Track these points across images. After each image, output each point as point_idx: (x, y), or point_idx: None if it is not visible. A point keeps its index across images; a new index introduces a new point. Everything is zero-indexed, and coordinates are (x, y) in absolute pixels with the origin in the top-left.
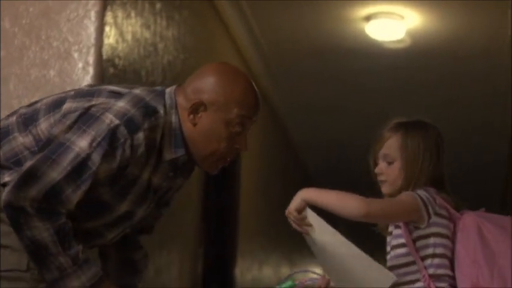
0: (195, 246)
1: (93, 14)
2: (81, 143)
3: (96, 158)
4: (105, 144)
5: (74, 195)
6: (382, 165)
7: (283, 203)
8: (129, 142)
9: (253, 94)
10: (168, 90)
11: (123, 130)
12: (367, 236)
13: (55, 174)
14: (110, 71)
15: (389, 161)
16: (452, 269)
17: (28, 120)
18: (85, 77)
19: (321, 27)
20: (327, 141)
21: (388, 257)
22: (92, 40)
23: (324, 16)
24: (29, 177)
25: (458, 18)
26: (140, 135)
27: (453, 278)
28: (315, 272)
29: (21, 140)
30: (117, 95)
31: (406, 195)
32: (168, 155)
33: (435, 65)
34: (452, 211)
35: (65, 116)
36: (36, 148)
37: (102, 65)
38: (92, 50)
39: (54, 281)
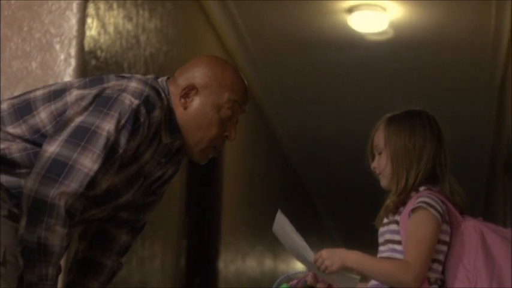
0: (178, 238)
1: (75, 6)
2: (107, 127)
3: (123, 140)
4: (130, 126)
5: (105, 181)
6: (375, 159)
7: (267, 195)
8: (147, 121)
9: (243, 81)
10: (159, 79)
11: (142, 109)
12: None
13: (89, 162)
14: (92, 63)
15: (379, 152)
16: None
17: (22, 110)
18: (67, 69)
19: (304, 19)
20: (310, 133)
21: (383, 248)
22: (74, 32)
23: (307, 8)
24: (61, 167)
25: (441, 10)
26: (155, 114)
27: (441, 280)
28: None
29: (11, 130)
30: (125, 77)
31: (425, 223)
32: (165, 139)
33: (418, 57)
34: (456, 215)
35: (78, 99)
36: (28, 136)
37: (84, 57)
38: (74, 42)
39: (28, 284)
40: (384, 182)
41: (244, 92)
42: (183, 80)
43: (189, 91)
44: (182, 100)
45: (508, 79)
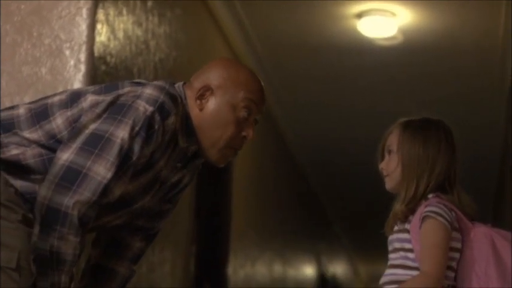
0: (188, 244)
1: (84, 12)
2: (122, 134)
3: (136, 148)
4: (143, 133)
5: (118, 189)
6: (385, 160)
7: (276, 200)
8: (162, 128)
9: (258, 81)
10: (176, 84)
11: (157, 117)
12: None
13: (103, 170)
14: (102, 69)
15: (388, 153)
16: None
17: (39, 115)
18: (77, 74)
19: (313, 24)
20: (319, 138)
21: (394, 256)
22: (84, 37)
23: (316, 13)
24: (75, 175)
25: (450, 15)
26: (169, 121)
27: (454, 287)
28: None
29: (27, 135)
30: (141, 84)
31: (435, 230)
32: (182, 143)
33: (427, 61)
34: (465, 222)
35: (93, 106)
36: (44, 142)
37: (94, 63)
38: (84, 48)
39: None
40: (389, 184)
41: (260, 91)
42: (198, 83)
43: (204, 92)
44: (198, 101)
45: None
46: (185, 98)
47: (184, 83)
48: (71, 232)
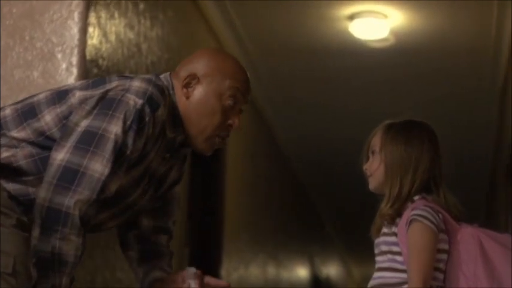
0: (181, 246)
1: (76, 15)
2: (115, 129)
3: (130, 142)
4: (135, 127)
5: (114, 184)
6: (369, 161)
7: (269, 202)
8: (152, 120)
9: (244, 71)
10: (162, 75)
11: (147, 109)
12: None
13: (100, 167)
14: (94, 72)
15: (373, 154)
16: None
17: (26, 114)
18: (69, 77)
19: (305, 26)
20: (311, 139)
21: (381, 258)
22: (76, 41)
23: (308, 15)
24: (73, 174)
25: (442, 16)
26: (159, 113)
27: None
28: None
29: (15, 135)
30: (128, 77)
31: (421, 234)
32: (169, 133)
33: (418, 63)
34: (452, 223)
35: (82, 102)
36: (34, 139)
37: (86, 66)
38: (76, 51)
39: None
40: (372, 184)
41: (246, 81)
42: (184, 72)
43: (190, 80)
44: (184, 90)
45: (509, 85)
46: (172, 88)
47: (171, 73)
48: (73, 232)
